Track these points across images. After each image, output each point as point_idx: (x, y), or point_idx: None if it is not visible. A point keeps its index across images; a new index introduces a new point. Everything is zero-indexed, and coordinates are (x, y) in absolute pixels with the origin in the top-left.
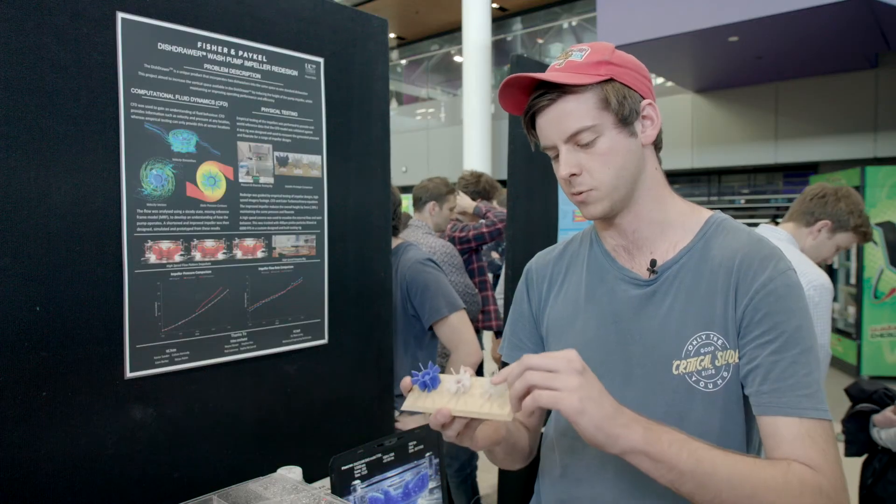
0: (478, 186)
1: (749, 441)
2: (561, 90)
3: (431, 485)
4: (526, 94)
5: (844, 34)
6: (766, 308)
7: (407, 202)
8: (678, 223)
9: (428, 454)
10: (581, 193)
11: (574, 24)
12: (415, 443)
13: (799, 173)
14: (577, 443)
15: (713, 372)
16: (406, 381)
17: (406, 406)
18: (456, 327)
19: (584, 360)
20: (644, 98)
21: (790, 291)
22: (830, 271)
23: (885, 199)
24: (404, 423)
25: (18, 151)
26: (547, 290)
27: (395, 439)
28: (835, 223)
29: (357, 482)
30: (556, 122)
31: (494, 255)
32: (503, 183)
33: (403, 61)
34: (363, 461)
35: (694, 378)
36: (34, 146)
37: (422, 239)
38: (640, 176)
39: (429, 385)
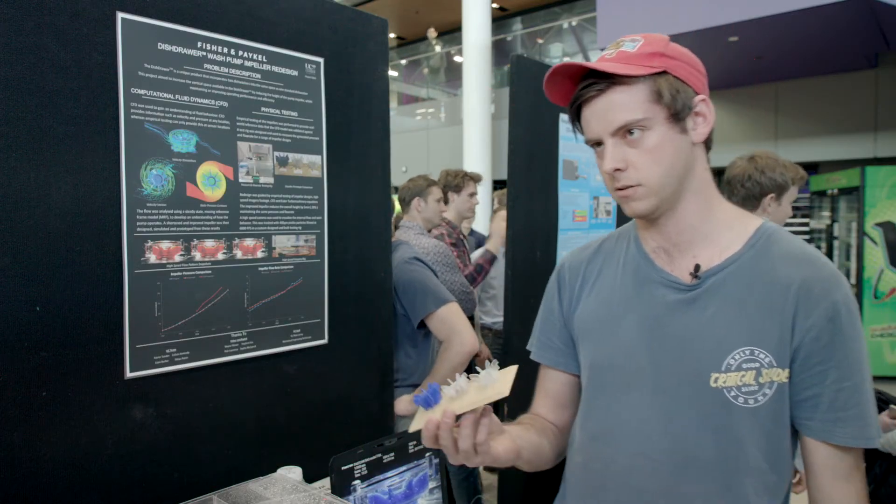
0: (456, 179)
1: (791, 461)
2: (611, 80)
3: (431, 485)
4: (574, 84)
5: (844, 34)
6: (828, 336)
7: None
8: (725, 228)
9: (428, 454)
10: (625, 189)
11: (574, 24)
12: (415, 443)
13: None
14: (608, 449)
15: (755, 388)
16: (403, 400)
17: (413, 426)
18: (445, 319)
19: (617, 364)
20: (698, 93)
21: (851, 316)
22: None
23: (885, 199)
24: (397, 407)
25: (18, 151)
26: (580, 289)
27: (395, 439)
28: (776, 191)
29: (357, 482)
30: (603, 113)
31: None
32: (503, 183)
33: (403, 61)
34: (363, 461)
35: (733, 393)
36: (34, 146)
37: (414, 240)
38: (687, 175)
39: (431, 400)
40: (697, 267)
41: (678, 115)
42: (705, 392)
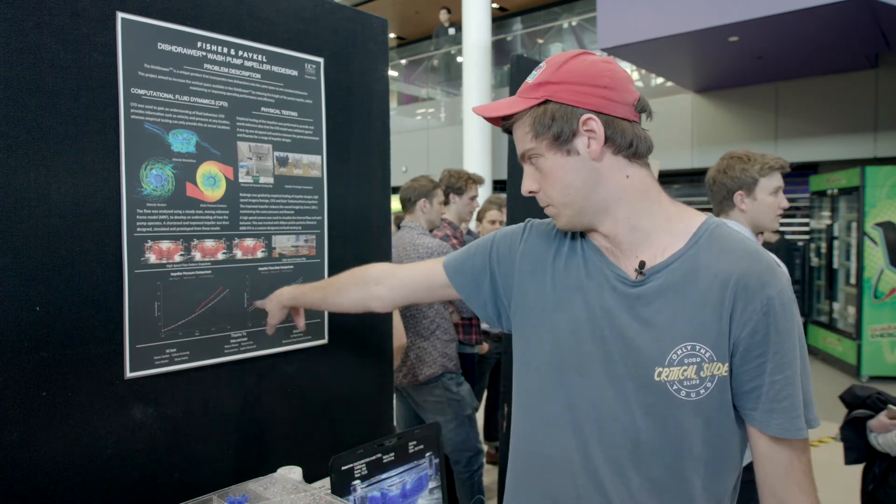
0: (458, 181)
1: (743, 450)
2: (511, 116)
3: (431, 485)
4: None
5: (844, 34)
6: (764, 329)
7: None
8: (665, 229)
9: (428, 454)
10: (547, 207)
11: (574, 24)
12: (415, 443)
13: (799, 173)
14: (562, 433)
15: (697, 382)
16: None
17: None
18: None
19: (571, 349)
20: (588, 111)
21: (785, 310)
22: (830, 271)
23: (885, 199)
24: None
25: (18, 151)
26: (530, 271)
27: (394, 439)
28: (744, 187)
29: (357, 482)
30: (516, 144)
31: None
32: (503, 183)
33: (403, 61)
34: (363, 461)
35: (675, 387)
36: (34, 146)
37: (417, 240)
38: (597, 189)
39: None
40: (643, 264)
41: (558, 139)
42: (649, 385)
